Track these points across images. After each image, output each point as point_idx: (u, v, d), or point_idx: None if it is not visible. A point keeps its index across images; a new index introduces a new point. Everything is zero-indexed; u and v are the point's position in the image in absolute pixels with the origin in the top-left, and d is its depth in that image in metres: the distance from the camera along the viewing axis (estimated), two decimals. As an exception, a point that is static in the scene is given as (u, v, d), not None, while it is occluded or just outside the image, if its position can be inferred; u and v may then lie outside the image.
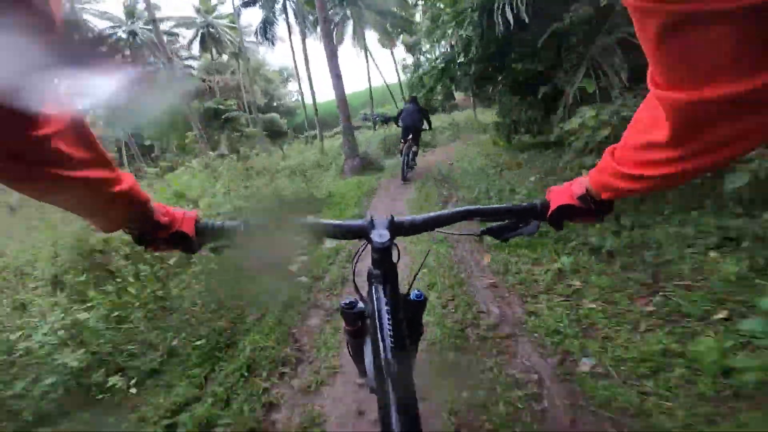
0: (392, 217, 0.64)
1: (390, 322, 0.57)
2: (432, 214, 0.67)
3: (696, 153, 0.37)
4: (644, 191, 0.49)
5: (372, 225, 0.63)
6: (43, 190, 0.41)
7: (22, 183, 0.38)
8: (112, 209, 0.50)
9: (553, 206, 0.63)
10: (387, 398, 0.50)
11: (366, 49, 21.05)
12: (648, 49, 0.30)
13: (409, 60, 28.05)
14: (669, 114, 0.34)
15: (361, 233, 0.64)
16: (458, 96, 25.07)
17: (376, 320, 0.59)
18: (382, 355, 0.55)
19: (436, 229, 0.69)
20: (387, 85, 25.34)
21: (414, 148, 6.06)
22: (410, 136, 5.94)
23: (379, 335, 0.57)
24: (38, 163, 0.36)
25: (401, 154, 6.06)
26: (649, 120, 0.40)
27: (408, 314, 0.77)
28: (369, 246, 0.63)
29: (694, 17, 0.25)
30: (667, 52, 0.28)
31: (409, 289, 0.79)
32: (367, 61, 19.57)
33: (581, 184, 0.60)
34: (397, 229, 0.64)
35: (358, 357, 0.87)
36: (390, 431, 0.47)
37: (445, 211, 0.67)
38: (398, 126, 6.36)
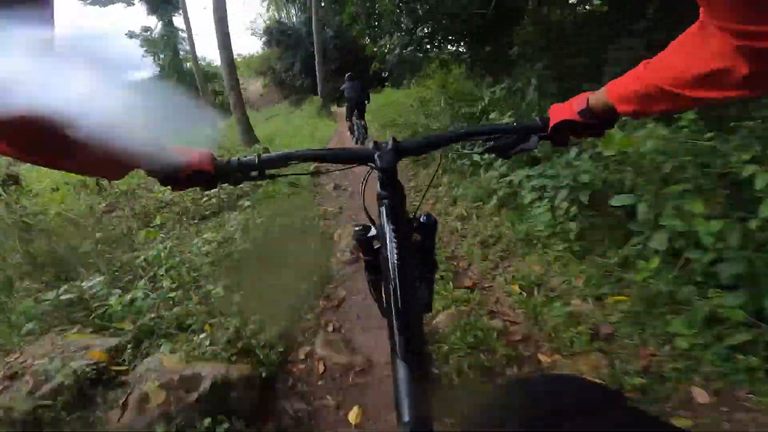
0: (395, 138, 0.67)
1: (396, 239, 0.61)
2: (435, 134, 0.71)
3: (723, 86, 0.42)
4: (662, 108, 0.52)
5: (377, 148, 0.67)
6: (55, 156, 0.44)
7: (35, 153, 0.42)
8: (120, 155, 0.49)
9: (553, 122, 0.66)
10: (392, 315, 0.55)
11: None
12: None
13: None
14: (717, 50, 0.39)
15: (367, 157, 0.67)
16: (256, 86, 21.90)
17: (385, 239, 0.63)
18: (391, 271, 0.58)
19: (441, 149, 0.72)
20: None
21: (363, 122, 6.38)
22: (356, 112, 6.33)
23: (387, 253, 0.61)
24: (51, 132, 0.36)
25: (351, 132, 6.42)
26: (704, 49, 0.42)
27: (420, 237, 0.81)
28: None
29: None
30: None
31: (417, 211, 0.82)
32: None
33: (583, 99, 0.62)
34: (401, 150, 0.67)
35: (377, 293, 0.91)
36: (394, 349, 0.51)
37: (448, 132, 0.71)
38: (338, 107, 7.18)
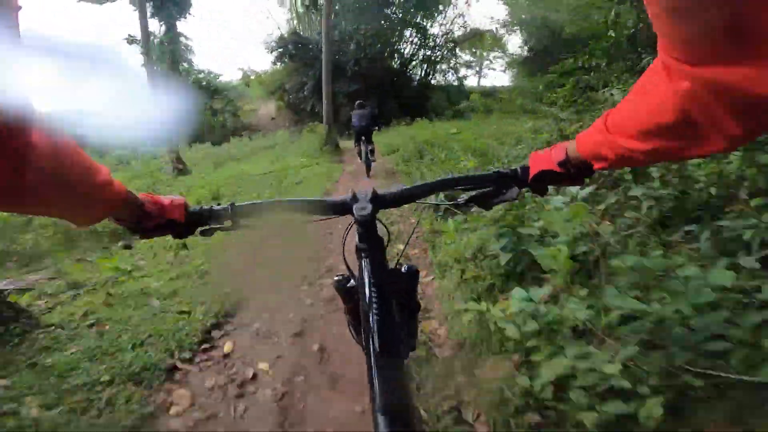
0: (374, 190, 0.66)
1: (376, 295, 0.60)
2: (414, 185, 0.69)
3: (697, 139, 0.37)
4: (637, 164, 0.50)
5: (355, 199, 0.65)
6: (21, 198, 0.40)
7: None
8: (92, 200, 0.50)
9: (533, 171, 0.63)
10: (372, 368, 0.52)
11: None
12: (672, 26, 0.30)
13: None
14: (680, 93, 0.34)
15: (345, 208, 0.66)
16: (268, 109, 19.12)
17: (365, 293, 0.62)
18: (371, 327, 0.57)
19: (419, 201, 0.72)
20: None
21: (371, 146, 6.41)
22: (363, 138, 6.42)
23: (367, 309, 0.60)
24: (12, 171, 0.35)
25: (360, 155, 6.52)
26: (654, 100, 0.39)
27: (401, 287, 0.80)
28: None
29: None
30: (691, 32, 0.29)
31: (398, 261, 0.80)
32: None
33: (561, 149, 0.60)
34: (379, 201, 0.65)
35: (358, 335, 0.87)
36: (375, 404, 0.48)
37: (426, 182, 0.69)
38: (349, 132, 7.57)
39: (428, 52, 19.42)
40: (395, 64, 18.63)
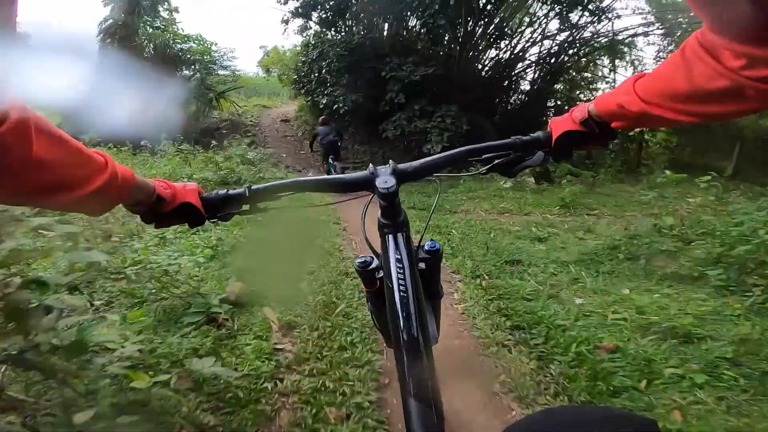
0: (395, 164, 0.65)
1: (402, 271, 0.59)
2: (435, 156, 0.68)
3: (739, 102, 0.39)
4: (663, 124, 0.50)
5: (376, 173, 0.64)
6: (35, 193, 0.42)
7: (15, 192, 0.40)
8: (97, 195, 0.49)
9: (555, 134, 0.63)
10: (401, 352, 0.52)
11: None
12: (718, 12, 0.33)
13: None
14: (731, 70, 0.36)
15: (366, 183, 0.65)
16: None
17: (390, 271, 0.60)
18: (397, 306, 0.56)
19: (442, 173, 0.70)
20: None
21: (341, 164, 6.66)
22: (332, 156, 6.59)
23: (393, 286, 0.58)
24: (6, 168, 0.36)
25: (329, 174, 6.68)
26: (696, 72, 0.41)
27: (424, 265, 0.78)
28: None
29: None
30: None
31: (421, 238, 0.79)
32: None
33: (582, 108, 0.60)
34: (401, 174, 0.65)
35: (381, 323, 0.88)
36: (405, 386, 0.49)
37: (448, 153, 0.68)
38: (311, 151, 7.41)
39: (550, 49, 11.25)
40: (493, 56, 10.70)
